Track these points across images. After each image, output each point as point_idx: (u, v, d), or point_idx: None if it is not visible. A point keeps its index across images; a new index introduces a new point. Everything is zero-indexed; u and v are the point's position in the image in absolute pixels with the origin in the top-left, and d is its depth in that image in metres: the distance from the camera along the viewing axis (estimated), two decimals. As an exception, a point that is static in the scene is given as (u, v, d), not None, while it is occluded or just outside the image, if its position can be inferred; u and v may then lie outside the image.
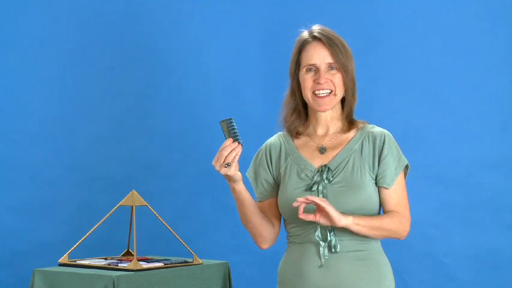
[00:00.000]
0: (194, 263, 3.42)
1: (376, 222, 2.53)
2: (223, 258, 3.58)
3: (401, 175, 2.61)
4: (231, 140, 2.47)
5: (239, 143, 2.47)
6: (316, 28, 2.62)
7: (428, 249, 3.90)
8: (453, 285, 3.92)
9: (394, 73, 3.99)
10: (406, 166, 2.63)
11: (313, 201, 2.44)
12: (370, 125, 2.66)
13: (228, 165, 2.46)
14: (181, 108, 4.17)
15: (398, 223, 2.57)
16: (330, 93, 2.58)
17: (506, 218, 3.87)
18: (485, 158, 3.89)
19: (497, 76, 3.90)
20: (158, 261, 3.41)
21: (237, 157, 2.47)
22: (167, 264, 3.37)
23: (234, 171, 2.47)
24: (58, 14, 4.19)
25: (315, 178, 2.57)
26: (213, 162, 2.48)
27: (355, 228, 2.49)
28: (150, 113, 4.19)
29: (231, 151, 2.46)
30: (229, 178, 2.50)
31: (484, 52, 3.91)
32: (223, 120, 2.49)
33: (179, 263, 3.41)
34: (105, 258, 3.53)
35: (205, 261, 3.46)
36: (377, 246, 2.61)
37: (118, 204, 3.42)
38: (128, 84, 4.20)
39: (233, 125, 2.48)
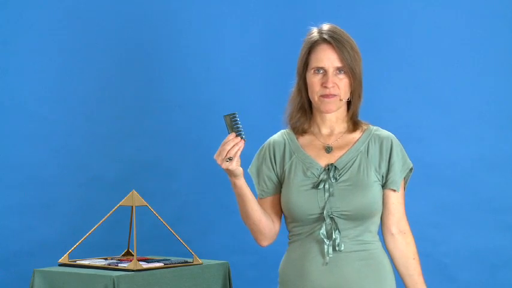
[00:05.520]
0: (194, 263, 3.42)
1: (421, 276, 2.68)
2: (223, 258, 3.58)
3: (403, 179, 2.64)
4: (233, 134, 2.47)
5: (242, 138, 2.47)
6: (326, 28, 2.60)
7: (428, 249, 3.89)
8: (453, 285, 3.92)
9: (394, 73, 3.99)
10: (410, 169, 2.64)
11: None
12: (375, 127, 2.67)
13: (230, 159, 2.46)
14: (181, 108, 4.17)
15: (416, 254, 2.69)
16: (335, 96, 2.58)
17: (506, 218, 3.87)
18: (485, 158, 3.89)
19: (497, 76, 3.90)
20: (158, 261, 3.41)
21: (239, 152, 2.46)
22: (167, 264, 3.37)
23: (235, 165, 2.47)
24: (58, 14, 4.18)
25: (321, 176, 2.57)
26: (215, 156, 2.47)
27: None
28: (150, 113, 4.19)
29: (234, 145, 2.46)
30: (230, 173, 2.50)
31: (484, 52, 3.91)
32: (227, 115, 2.49)
33: (179, 263, 3.41)
34: (105, 258, 3.52)
35: (205, 261, 3.46)
36: (378, 246, 2.62)
37: (118, 204, 3.42)
38: (128, 84, 4.20)
39: (237, 120, 2.48)
